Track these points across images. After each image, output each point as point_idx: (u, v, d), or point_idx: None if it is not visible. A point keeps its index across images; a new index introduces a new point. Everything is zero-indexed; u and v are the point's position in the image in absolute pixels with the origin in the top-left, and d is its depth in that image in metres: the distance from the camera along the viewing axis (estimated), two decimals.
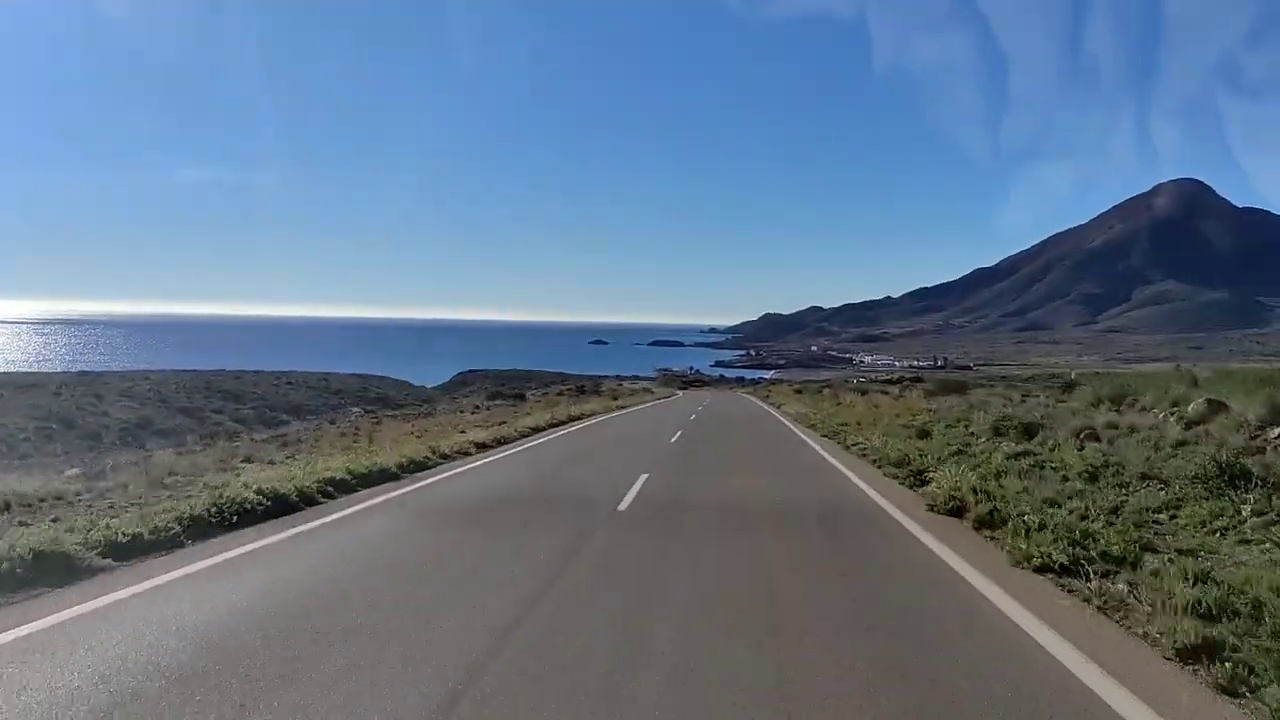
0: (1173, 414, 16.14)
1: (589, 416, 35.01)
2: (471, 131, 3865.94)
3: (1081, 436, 15.18)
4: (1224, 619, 5.47)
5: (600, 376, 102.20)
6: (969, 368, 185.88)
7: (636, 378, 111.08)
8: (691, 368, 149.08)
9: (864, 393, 51.22)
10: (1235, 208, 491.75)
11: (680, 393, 79.74)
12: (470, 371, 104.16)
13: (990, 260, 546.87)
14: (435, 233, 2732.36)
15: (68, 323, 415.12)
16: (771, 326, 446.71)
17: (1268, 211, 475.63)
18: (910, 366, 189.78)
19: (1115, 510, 9.48)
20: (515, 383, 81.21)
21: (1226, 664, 4.76)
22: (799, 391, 65.18)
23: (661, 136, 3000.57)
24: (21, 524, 8.28)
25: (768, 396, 62.48)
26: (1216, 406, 15.19)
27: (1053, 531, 7.91)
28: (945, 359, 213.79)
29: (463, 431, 22.45)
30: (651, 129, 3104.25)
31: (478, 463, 16.95)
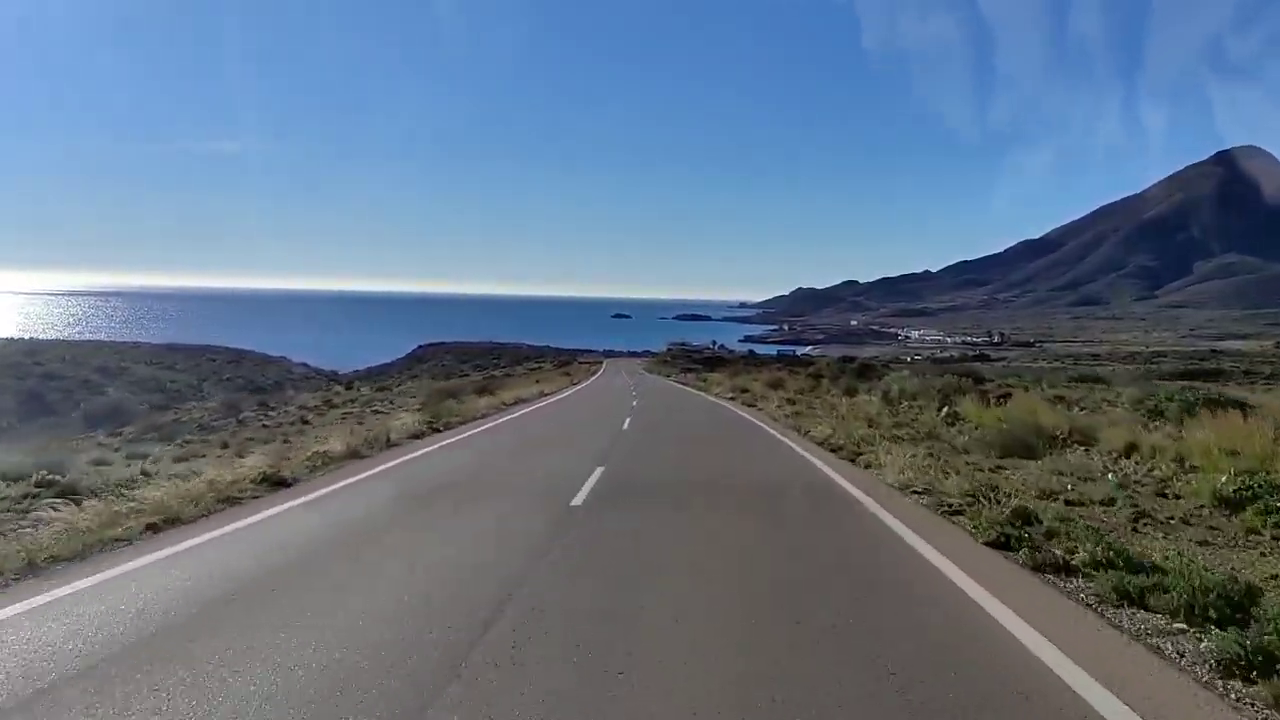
0: None
1: None
2: (479, 104, 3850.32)
3: None
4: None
5: (585, 350, 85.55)
6: (1031, 344, 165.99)
7: (649, 352, 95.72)
8: (714, 342, 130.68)
9: None
10: None
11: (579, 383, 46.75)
12: (431, 345, 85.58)
13: (1036, 233, 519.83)
14: (459, 209, 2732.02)
15: None
16: (804, 301, 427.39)
17: None
18: (964, 343, 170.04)
19: None
20: (481, 358, 64.59)
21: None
22: None
23: (690, 114, 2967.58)
24: None
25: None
26: None
27: None
28: (1002, 334, 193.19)
29: None
30: (680, 105, 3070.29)
31: None
